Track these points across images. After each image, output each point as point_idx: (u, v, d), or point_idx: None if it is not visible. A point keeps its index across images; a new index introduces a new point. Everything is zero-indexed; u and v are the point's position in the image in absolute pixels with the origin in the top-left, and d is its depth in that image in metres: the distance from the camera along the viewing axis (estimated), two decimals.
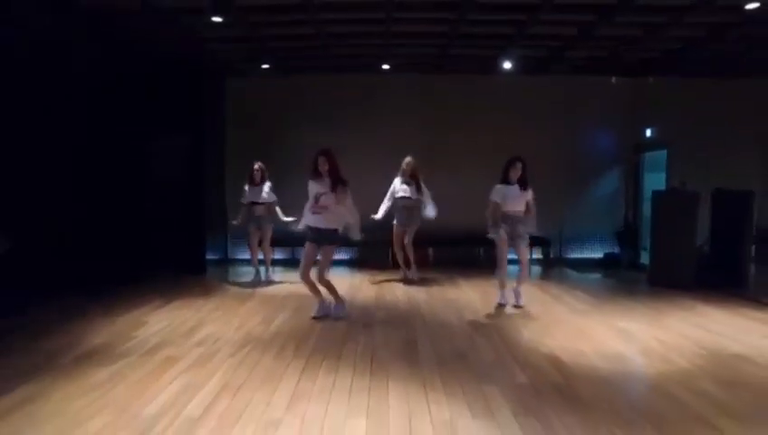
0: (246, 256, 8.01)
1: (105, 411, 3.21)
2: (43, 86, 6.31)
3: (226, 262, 9.06)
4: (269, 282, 7.22)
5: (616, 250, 9.11)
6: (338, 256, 8.80)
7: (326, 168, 5.06)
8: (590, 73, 8.81)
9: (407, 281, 7.26)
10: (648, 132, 8.61)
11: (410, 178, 7.02)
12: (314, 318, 5.26)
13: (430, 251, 8.84)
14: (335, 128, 8.65)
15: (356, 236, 5.35)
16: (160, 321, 5.26)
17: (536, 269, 8.69)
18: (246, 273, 7.86)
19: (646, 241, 9.16)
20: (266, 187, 7.02)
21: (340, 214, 5.11)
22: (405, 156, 7.13)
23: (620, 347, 4.47)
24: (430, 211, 6.98)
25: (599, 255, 9.19)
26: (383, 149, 8.11)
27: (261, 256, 7.41)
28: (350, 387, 3.65)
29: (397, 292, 6.76)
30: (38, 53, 6.05)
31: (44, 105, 6.35)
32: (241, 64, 8.05)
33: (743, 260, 6.89)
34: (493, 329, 5.07)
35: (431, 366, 4.05)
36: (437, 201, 7.15)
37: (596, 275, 8.37)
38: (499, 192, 5.65)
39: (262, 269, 7.35)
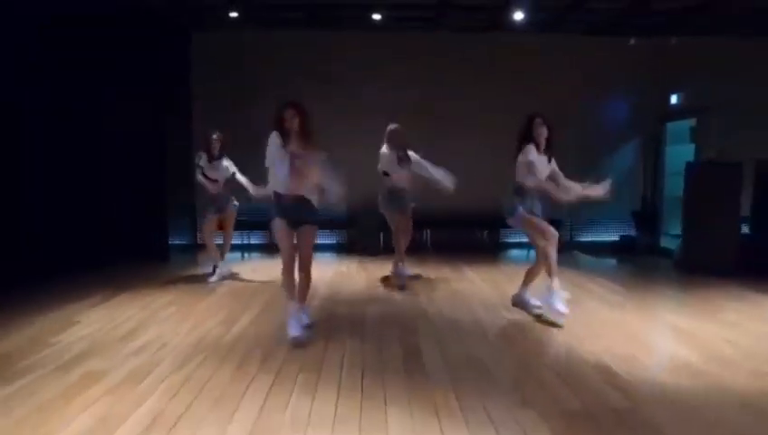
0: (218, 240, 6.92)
1: None
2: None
3: (195, 248, 7.93)
4: (231, 274, 5.96)
5: (632, 233, 8.18)
6: (321, 241, 7.75)
7: (297, 122, 3.76)
8: (606, 34, 7.81)
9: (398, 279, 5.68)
10: (674, 99, 7.60)
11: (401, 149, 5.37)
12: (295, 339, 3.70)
13: (427, 234, 7.82)
14: (320, 94, 7.56)
15: (337, 199, 3.83)
16: (96, 320, 4.17)
17: None
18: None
19: (669, 224, 8.26)
20: (225, 161, 5.67)
21: (315, 181, 3.82)
22: (398, 124, 5.92)
23: (684, 352, 3.49)
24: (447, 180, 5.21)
25: (614, 238, 8.26)
26: (373, 116, 7.04)
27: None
28: (335, 415, 2.62)
29: (392, 283, 5.70)
30: None
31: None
32: (208, 13, 6.86)
33: None
34: (517, 330, 4.06)
35: (442, 382, 3.03)
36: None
37: (611, 261, 7.45)
38: (533, 153, 4.11)
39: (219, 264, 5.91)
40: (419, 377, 3.10)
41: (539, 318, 4.25)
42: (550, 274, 4.13)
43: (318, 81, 7.61)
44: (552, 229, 4.18)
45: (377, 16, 6.64)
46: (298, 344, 3.61)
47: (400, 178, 5.38)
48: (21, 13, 5.49)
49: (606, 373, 3.12)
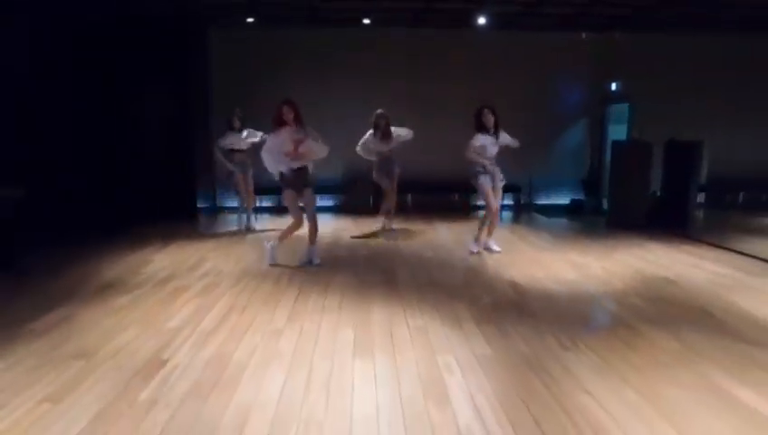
0: (235, 203, 8.53)
1: (133, 326, 3.81)
2: (28, 35, 6.53)
3: (215, 210, 9.54)
4: (251, 229, 7.56)
5: (581, 197, 9.83)
6: (323, 203, 9.41)
7: (292, 116, 5.25)
8: (561, 29, 9.26)
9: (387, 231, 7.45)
10: (614, 86, 9.17)
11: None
12: (272, 265, 5.51)
13: (409, 197, 9.45)
14: (320, 81, 9.05)
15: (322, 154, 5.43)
16: (164, 259, 5.82)
17: (507, 214, 9.38)
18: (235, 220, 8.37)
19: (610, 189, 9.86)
20: (245, 133, 7.24)
21: (314, 156, 5.40)
22: (393, 108, 7.34)
23: (571, 274, 5.19)
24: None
25: (566, 201, 9.89)
26: (367, 101, 8.56)
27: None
28: (340, 306, 4.29)
29: (379, 234, 7.35)
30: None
31: (31, 56, 6.61)
32: (224, 16, 8.27)
33: (689, 204, 7.64)
34: (463, 262, 5.76)
35: (409, 290, 4.71)
36: (418, 152, 7.70)
37: (562, 220, 9.08)
38: (479, 139, 5.82)
39: (244, 216, 7.64)
40: (394, 289, 4.77)
41: (480, 255, 5.97)
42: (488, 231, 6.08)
43: (318, 72, 9.09)
44: (491, 201, 5.92)
45: (366, 21, 8.09)
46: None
47: (382, 150, 6.99)
48: (78, 13, 6.94)
49: (513, 284, 4.83)
